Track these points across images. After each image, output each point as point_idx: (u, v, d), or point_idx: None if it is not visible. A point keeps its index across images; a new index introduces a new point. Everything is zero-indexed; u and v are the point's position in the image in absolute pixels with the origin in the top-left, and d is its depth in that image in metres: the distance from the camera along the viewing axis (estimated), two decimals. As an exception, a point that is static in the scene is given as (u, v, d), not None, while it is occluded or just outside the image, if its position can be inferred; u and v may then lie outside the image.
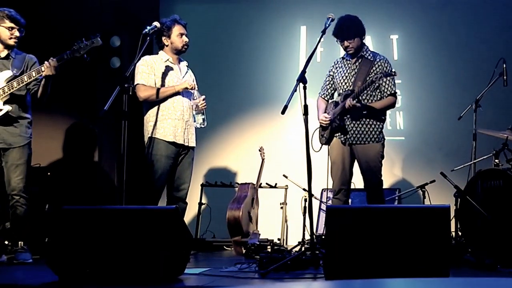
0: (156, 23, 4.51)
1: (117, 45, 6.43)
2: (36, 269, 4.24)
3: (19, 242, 4.53)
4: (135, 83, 4.61)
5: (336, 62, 4.84)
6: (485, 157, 5.11)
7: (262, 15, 6.88)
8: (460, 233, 4.62)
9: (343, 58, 4.79)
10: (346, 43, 4.63)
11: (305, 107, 4.01)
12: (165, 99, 4.66)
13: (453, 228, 4.60)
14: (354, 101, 4.48)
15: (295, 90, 3.97)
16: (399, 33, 6.67)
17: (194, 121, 4.73)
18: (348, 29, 4.59)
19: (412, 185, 6.07)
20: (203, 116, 4.71)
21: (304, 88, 4.01)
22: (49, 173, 5.69)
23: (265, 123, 6.72)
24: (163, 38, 4.75)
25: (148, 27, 4.43)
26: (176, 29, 4.75)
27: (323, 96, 4.86)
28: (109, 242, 3.38)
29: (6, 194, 4.54)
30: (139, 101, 4.71)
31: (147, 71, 4.66)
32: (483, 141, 5.33)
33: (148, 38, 4.40)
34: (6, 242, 4.80)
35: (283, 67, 6.78)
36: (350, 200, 4.88)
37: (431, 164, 6.20)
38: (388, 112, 6.24)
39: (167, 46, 4.77)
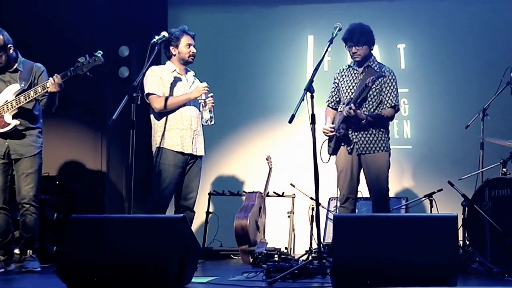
0: (164, 33, 4.55)
1: (125, 54, 6.47)
2: (44, 278, 4.26)
3: (28, 251, 4.55)
4: (145, 92, 4.64)
5: (341, 70, 4.82)
6: (492, 166, 5.10)
7: (270, 25, 6.89)
8: (467, 242, 4.60)
9: (349, 66, 4.79)
10: (354, 49, 4.63)
11: (313, 116, 4.03)
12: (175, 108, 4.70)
13: (460, 237, 4.59)
14: (354, 107, 4.46)
15: (302, 99, 3.99)
16: (406, 42, 6.67)
17: (202, 118, 4.74)
18: (359, 35, 4.59)
19: (419, 194, 6.06)
20: (211, 114, 4.71)
21: (312, 97, 4.03)
22: (57, 182, 5.72)
23: (272, 132, 6.73)
24: (171, 48, 4.78)
25: (157, 37, 4.47)
26: (185, 40, 4.78)
27: (330, 105, 4.86)
28: (117, 250, 3.40)
29: (16, 203, 4.58)
30: (149, 111, 4.76)
31: (157, 82, 4.69)
32: (491, 150, 5.32)
33: (157, 47, 4.45)
34: (16, 251, 4.82)
35: (290, 76, 6.79)
36: (356, 209, 4.89)
37: (439, 173, 6.18)
38: (396, 120, 6.25)
39: (174, 56, 4.81)
